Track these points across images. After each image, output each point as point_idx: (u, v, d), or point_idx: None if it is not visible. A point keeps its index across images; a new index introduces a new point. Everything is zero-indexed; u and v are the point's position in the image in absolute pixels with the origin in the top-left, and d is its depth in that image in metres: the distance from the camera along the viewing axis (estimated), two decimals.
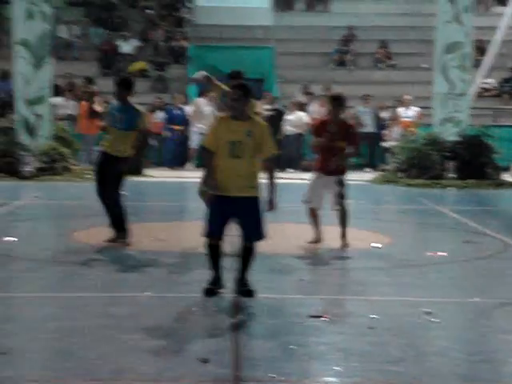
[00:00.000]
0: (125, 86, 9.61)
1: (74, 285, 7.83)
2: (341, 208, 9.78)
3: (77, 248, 9.50)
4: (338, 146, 9.63)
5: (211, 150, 7.24)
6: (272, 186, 7.35)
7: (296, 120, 20.68)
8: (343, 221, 9.77)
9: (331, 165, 9.62)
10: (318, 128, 9.83)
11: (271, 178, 7.34)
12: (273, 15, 25.77)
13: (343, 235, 9.76)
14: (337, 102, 9.64)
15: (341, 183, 9.74)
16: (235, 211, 7.16)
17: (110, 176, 9.54)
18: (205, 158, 7.47)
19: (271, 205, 7.36)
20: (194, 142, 19.73)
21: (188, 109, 20.66)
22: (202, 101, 19.81)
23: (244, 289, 7.24)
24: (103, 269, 8.57)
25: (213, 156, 7.22)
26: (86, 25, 25.75)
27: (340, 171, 9.80)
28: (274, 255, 9.23)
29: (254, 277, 7.45)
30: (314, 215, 9.84)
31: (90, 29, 25.55)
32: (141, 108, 9.79)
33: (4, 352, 5.49)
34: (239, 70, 9.61)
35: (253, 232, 7.22)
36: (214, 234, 7.23)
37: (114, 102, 9.79)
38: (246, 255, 7.29)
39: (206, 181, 7.48)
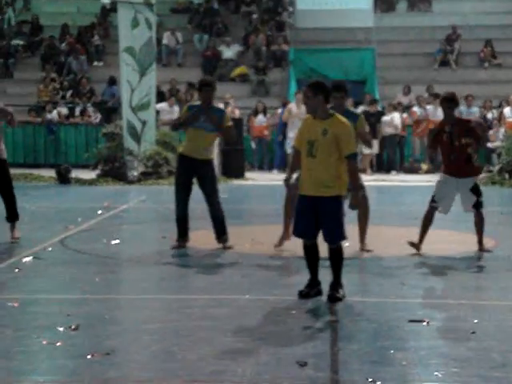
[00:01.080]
0: (206, 87, 9.64)
1: (175, 287, 7.97)
2: (477, 214, 9.58)
3: (179, 251, 9.65)
4: (462, 144, 9.39)
5: (296, 148, 7.39)
6: (354, 184, 7.27)
7: (392, 121, 20.49)
8: (479, 228, 9.60)
9: (461, 165, 9.36)
10: (435, 131, 9.63)
11: (352, 177, 7.24)
12: (374, 16, 25.59)
13: (480, 242, 9.58)
14: (450, 102, 9.44)
15: (477, 191, 9.51)
16: (315, 211, 7.16)
17: (204, 181, 9.64)
18: (293, 156, 7.65)
19: (352, 204, 7.31)
20: (290, 145, 19.80)
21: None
22: (294, 104, 19.94)
23: (330, 293, 7.20)
24: (204, 271, 8.69)
25: (298, 155, 7.33)
26: (189, 31, 26.15)
27: (474, 172, 9.60)
28: (376, 258, 9.17)
29: (354, 280, 7.41)
30: (429, 218, 9.59)
31: (193, 35, 25.94)
32: (222, 107, 10.08)
33: (108, 353, 5.63)
34: (341, 82, 9.53)
35: (329, 233, 7.17)
36: (302, 234, 7.25)
37: (195, 104, 9.92)
38: (331, 257, 7.25)
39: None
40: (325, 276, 7.35)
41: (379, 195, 15.72)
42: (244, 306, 7.08)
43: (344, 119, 7.31)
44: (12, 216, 10.10)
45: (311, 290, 7.30)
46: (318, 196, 7.14)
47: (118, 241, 10.22)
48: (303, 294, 7.25)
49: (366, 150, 18.95)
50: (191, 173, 9.64)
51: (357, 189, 7.35)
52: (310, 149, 7.16)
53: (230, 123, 9.87)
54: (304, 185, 7.25)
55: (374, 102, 20.86)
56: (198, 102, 9.88)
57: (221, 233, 9.76)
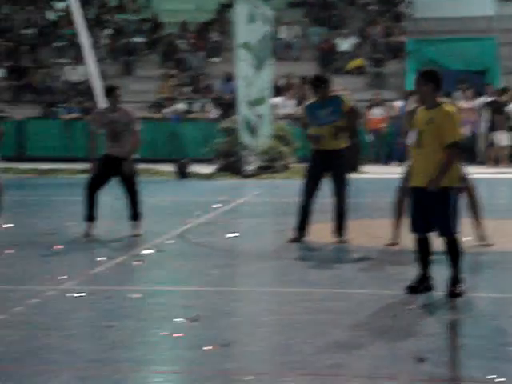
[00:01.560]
0: (320, 83, 9.65)
1: (292, 280, 8.00)
2: None
3: (295, 244, 9.68)
4: None
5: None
6: (440, 171, 6.90)
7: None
8: None
9: None
10: None
11: (444, 166, 6.92)
12: (495, 5, 24.91)
13: None
14: None
15: None
16: (425, 203, 7.01)
17: (334, 173, 9.65)
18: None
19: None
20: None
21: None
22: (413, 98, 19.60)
23: (450, 289, 7.05)
24: (320, 265, 8.68)
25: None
26: (305, 25, 26.15)
27: None
28: (498, 252, 8.96)
29: (473, 274, 7.26)
30: None
31: (309, 29, 25.92)
32: (338, 94, 10.01)
33: (226, 345, 5.71)
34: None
35: (439, 225, 7.01)
36: (415, 228, 7.13)
37: (311, 102, 9.83)
38: (447, 251, 7.09)
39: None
40: (441, 271, 7.23)
41: None
42: (360, 300, 7.04)
43: (450, 108, 7.13)
44: (135, 215, 10.28)
45: (420, 284, 7.19)
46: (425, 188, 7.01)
47: (235, 234, 10.34)
48: (411, 289, 7.15)
49: (503, 142, 18.71)
50: (323, 166, 9.67)
51: (439, 176, 6.96)
52: (418, 139, 7.06)
53: (351, 103, 9.89)
54: (413, 176, 7.16)
55: (504, 91, 20.35)
56: (313, 99, 9.84)
57: (339, 227, 9.73)
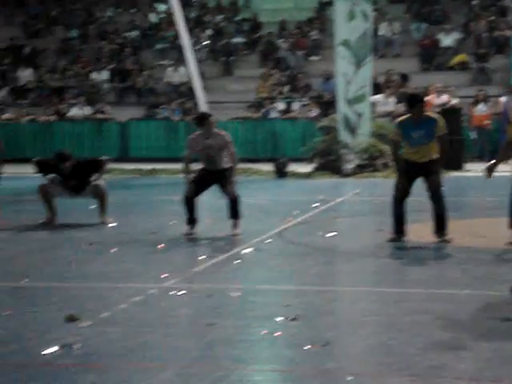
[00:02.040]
0: (415, 102, 9.39)
1: (392, 280, 7.91)
2: None
3: (395, 244, 9.57)
4: None
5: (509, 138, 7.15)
6: None
7: None
8: None
9: None
10: None
11: None
12: None
13: None
14: None
15: None
16: None
17: (429, 178, 9.47)
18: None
19: None
20: None
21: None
22: None
23: None
24: (421, 265, 8.56)
25: (509, 144, 7.08)
26: (406, 21, 25.84)
27: None
28: None
29: None
30: None
31: (410, 24, 25.60)
32: (435, 115, 9.69)
33: (326, 344, 5.68)
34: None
35: None
36: None
37: (404, 120, 9.55)
38: None
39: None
40: None
41: None
42: (463, 301, 6.90)
43: None
44: (234, 214, 10.31)
45: None
46: None
47: (334, 233, 10.30)
48: None
49: None
50: (413, 176, 9.51)
51: None
52: None
53: (443, 132, 9.47)
54: None
55: None
56: (406, 117, 9.54)
57: (440, 226, 9.56)
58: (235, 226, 10.33)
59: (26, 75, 25.11)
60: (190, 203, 10.28)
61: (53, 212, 11.30)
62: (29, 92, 24.69)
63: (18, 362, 5.38)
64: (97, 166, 11.52)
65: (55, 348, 5.59)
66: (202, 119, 10.43)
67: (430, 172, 9.43)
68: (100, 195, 11.36)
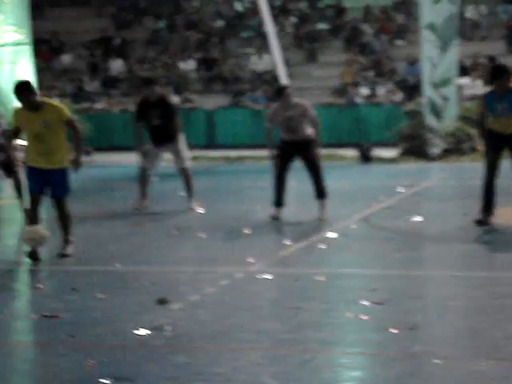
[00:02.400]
0: (499, 74, 9.25)
1: (479, 263, 7.85)
2: None
3: (482, 227, 9.45)
4: None
5: None
6: None
7: None
8: None
9: None
10: None
11: None
12: None
13: None
14: None
15: None
16: None
17: None
18: None
19: None
20: None
21: None
22: None
23: None
24: (508, 248, 8.46)
25: None
26: (493, 3, 25.33)
27: None
28: None
29: None
30: None
31: (497, 6, 25.09)
32: None
33: (413, 328, 5.70)
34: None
35: None
36: None
37: (489, 93, 9.48)
38: None
39: None
40: None
41: None
42: None
43: None
44: (320, 192, 10.42)
45: None
46: None
47: (419, 218, 10.25)
48: None
49: None
50: (499, 147, 9.46)
51: None
52: None
53: None
54: None
55: None
56: (490, 89, 9.47)
57: None
58: (322, 207, 10.39)
59: (116, 66, 25.58)
60: (279, 180, 10.42)
61: (145, 196, 11.47)
62: (119, 82, 25.16)
63: (112, 344, 5.57)
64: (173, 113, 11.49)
65: (147, 330, 5.76)
66: (280, 91, 10.61)
67: None
68: (186, 177, 11.50)
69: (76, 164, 8.44)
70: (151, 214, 11.22)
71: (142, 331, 5.73)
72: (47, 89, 23.10)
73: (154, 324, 5.88)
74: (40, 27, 25.56)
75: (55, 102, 8.63)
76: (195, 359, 5.22)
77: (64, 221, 8.49)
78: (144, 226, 10.40)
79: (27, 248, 8.29)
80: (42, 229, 8.32)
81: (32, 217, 8.39)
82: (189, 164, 11.70)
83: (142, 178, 11.49)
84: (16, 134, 8.59)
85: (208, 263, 8.09)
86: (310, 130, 10.46)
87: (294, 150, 10.43)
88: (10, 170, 10.46)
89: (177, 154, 11.55)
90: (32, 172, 8.39)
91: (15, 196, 10.52)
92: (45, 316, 6.20)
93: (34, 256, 8.21)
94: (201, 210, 11.35)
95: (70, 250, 8.45)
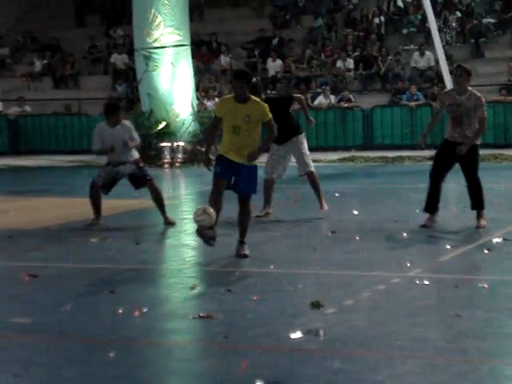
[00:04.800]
0: None
1: None
2: None
3: None
4: None
5: None
6: None
7: None
8: None
9: None
10: None
11: None
12: None
13: None
14: None
15: None
16: None
17: None
18: None
19: None
20: None
21: None
22: None
23: None
24: None
25: None
26: None
27: None
28: None
29: None
30: None
31: None
32: None
33: None
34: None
35: None
36: None
37: None
38: None
39: None
40: None
41: None
42: None
43: None
44: (477, 204, 9.75)
45: None
46: None
47: None
48: None
49: None
50: None
51: None
52: None
53: None
54: None
55: None
56: None
57: None
58: (479, 216, 9.74)
59: (274, 66, 25.73)
60: (432, 183, 9.78)
61: (269, 204, 10.93)
62: (277, 82, 25.31)
63: (265, 346, 5.50)
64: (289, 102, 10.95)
65: (301, 333, 5.65)
66: (458, 70, 9.86)
67: None
68: (313, 183, 10.97)
69: (251, 156, 8.32)
70: (304, 215, 11.09)
71: (296, 334, 5.62)
72: (205, 90, 23.53)
73: (308, 327, 5.77)
74: (199, 28, 26.12)
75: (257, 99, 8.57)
76: (351, 365, 5.08)
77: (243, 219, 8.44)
78: (297, 228, 10.31)
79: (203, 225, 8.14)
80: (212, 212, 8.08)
81: (213, 201, 8.22)
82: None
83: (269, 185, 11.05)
84: (217, 125, 8.54)
85: (363, 267, 7.90)
86: (475, 132, 9.67)
87: (455, 154, 9.61)
88: (139, 182, 10.63)
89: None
90: (223, 160, 8.35)
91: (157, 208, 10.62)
92: (200, 317, 6.21)
93: (207, 235, 8.17)
94: (355, 212, 11.07)
95: (247, 250, 8.44)
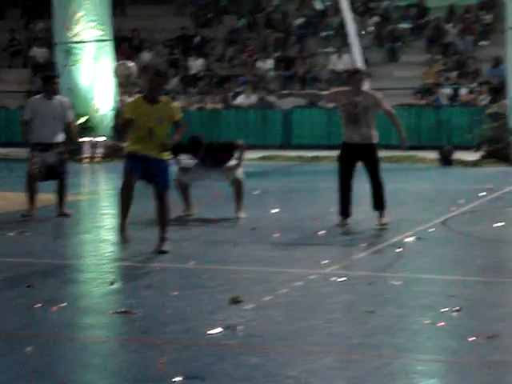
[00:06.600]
0: None
1: None
2: None
3: None
4: None
5: None
6: None
7: None
8: None
9: None
10: None
11: None
12: None
13: None
14: None
15: None
16: None
17: None
18: None
19: None
20: None
21: None
22: None
23: None
24: None
25: None
26: None
27: None
28: None
29: None
30: None
31: None
32: None
33: (491, 336, 5.52)
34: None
35: None
36: None
37: None
38: None
39: None
40: None
41: None
42: None
43: None
44: (379, 204, 9.88)
45: None
46: None
47: (501, 223, 9.98)
48: None
49: None
50: None
51: None
52: None
53: None
54: None
55: None
56: None
57: None
58: (381, 215, 9.87)
59: (196, 64, 25.73)
60: (342, 187, 9.94)
61: (189, 203, 10.87)
62: (199, 80, 25.30)
63: (184, 341, 5.55)
64: (231, 149, 11.04)
65: (220, 329, 5.72)
66: (352, 74, 10.15)
67: None
68: (237, 186, 10.85)
69: (164, 146, 8.39)
70: (225, 213, 11.16)
71: (215, 330, 5.69)
72: (127, 86, 23.34)
73: (227, 323, 5.84)
74: (121, 24, 25.91)
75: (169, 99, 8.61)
76: (267, 360, 5.16)
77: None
78: (219, 224, 10.38)
79: None
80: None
81: (124, 194, 8.33)
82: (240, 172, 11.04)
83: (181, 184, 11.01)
84: (128, 126, 8.51)
85: (281, 263, 8.02)
86: (374, 133, 9.86)
87: (356, 154, 9.83)
88: (52, 175, 10.57)
89: None
90: (134, 155, 8.37)
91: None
92: (119, 312, 6.22)
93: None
94: (274, 211, 11.20)
95: (167, 246, 8.49)
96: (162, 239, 8.50)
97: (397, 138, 10.24)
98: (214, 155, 10.91)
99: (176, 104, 8.52)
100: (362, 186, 10.18)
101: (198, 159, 10.99)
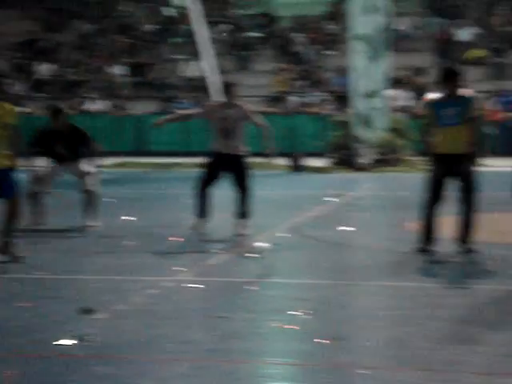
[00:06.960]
0: (451, 77, 8.57)
1: (405, 274, 7.90)
2: None
3: (409, 238, 9.49)
4: None
5: None
6: None
7: None
8: None
9: None
10: None
11: None
12: None
13: None
14: None
15: None
16: None
17: (461, 176, 8.65)
18: None
19: None
20: None
21: None
22: None
23: None
24: (435, 259, 8.54)
25: None
26: (422, 15, 25.75)
27: None
28: None
29: None
30: None
31: (426, 19, 25.52)
32: (469, 93, 8.72)
33: (339, 338, 5.68)
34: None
35: None
36: None
37: (436, 99, 8.69)
38: None
39: None
40: None
41: None
42: (480, 296, 6.89)
43: None
44: (243, 213, 9.97)
45: None
46: None
47: (347, 227, 10.29)
48: None
49: None
50: (446, 170, 8.61)
51: None
52: None
53: (479, 113, 8.78)
54: None
55: None
56: (438, 95, 8.70)
57: (466, 234, 8.74)
58: (243, 225, 9.95)
59: (43, 69, 25.18)
60: (202, 192, 10.02)
61: (40, 212, 10.57)
62: (47, 85, 24.76)
63: (32, 353, 5.42)
64: (85, 141, 10.74)
65: (70, 340, 5.62)
66: (227, 86, 10.20)
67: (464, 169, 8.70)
68: (89, 196, 10.58)
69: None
70: (75, 223, 10.97)
71: (65, 341, 5.58)
72: None
73: (78, 333, 5.74)
74: None
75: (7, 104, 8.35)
76: (120, 370, 5.11)
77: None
78: (70, 233, 10.20)
79: None
80: None
81: None
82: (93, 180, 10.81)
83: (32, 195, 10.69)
84: None
85: (134, 271, 7.96)
86: (243, 146, 10.04)
87: (225, 164, 9.97)
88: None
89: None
90: None
91: None
92: None
93: None
94: (127, 218, 11.10)
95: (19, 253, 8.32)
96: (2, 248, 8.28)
97: (256, 145, 10.42)
98: (71, 140, 10.64)
99: (13, 108, 8.33)
100: (222, 193, 10.28)
101: (55, 127, 10.73)
